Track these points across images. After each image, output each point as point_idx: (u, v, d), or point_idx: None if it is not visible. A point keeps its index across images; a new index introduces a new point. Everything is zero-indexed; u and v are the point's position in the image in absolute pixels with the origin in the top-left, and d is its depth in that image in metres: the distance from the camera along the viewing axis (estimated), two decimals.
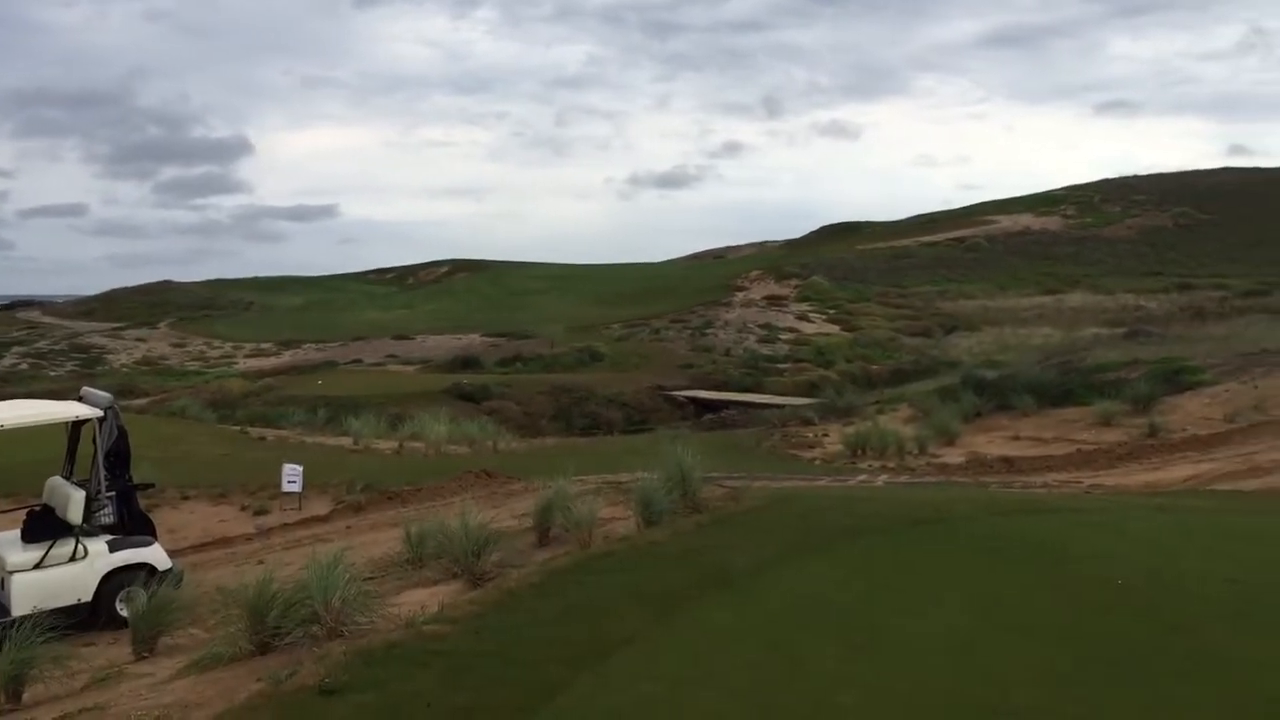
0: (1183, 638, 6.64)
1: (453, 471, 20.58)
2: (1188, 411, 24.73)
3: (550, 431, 41.59)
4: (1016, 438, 25.25)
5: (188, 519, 18.26)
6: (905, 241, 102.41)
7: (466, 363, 60.09)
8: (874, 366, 57.11)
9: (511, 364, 59.99)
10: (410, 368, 61.42)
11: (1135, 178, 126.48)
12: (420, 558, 10.75)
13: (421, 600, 8.50)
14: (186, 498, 19.18)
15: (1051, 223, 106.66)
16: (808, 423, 30.79)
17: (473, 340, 70.34)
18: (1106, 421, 24.75)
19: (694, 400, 51.20)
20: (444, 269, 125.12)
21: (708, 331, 70.16)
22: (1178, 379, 27.06)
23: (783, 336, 67.69)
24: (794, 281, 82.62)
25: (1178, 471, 18.47)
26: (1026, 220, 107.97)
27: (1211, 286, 74.02)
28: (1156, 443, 22.12)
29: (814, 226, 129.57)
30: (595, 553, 9.18)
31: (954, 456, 23.25)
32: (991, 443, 24.84)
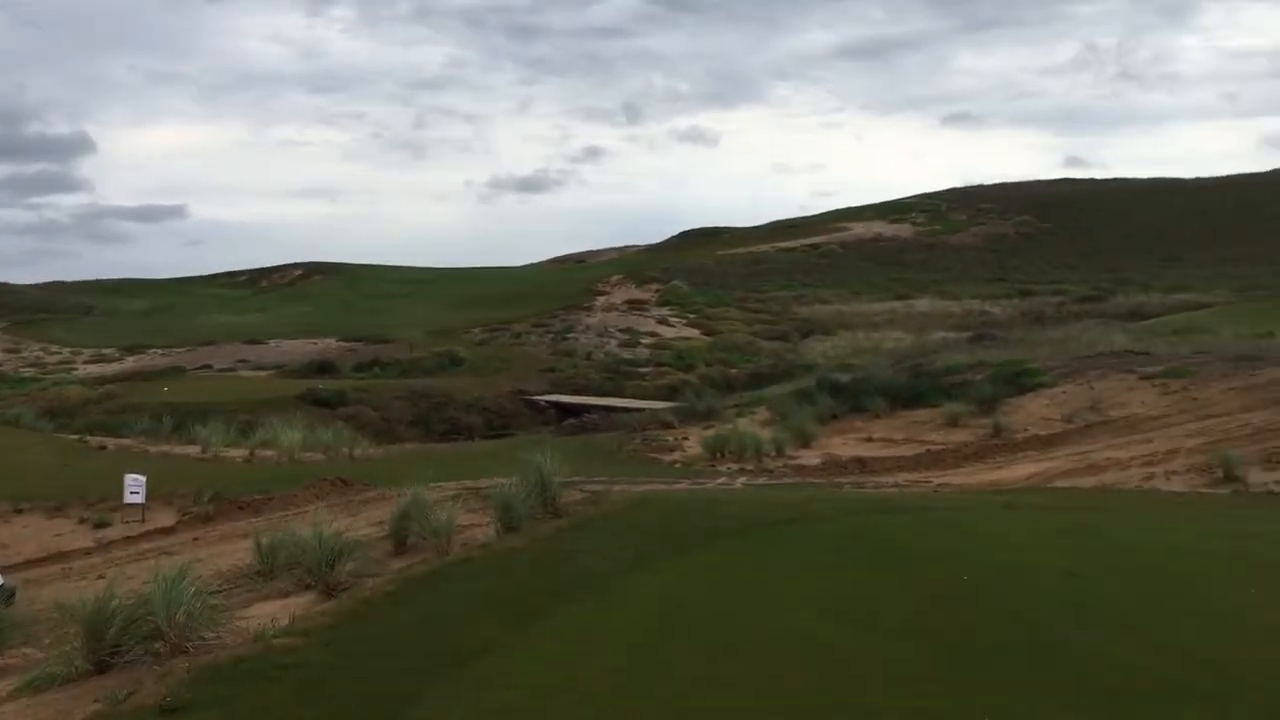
0: (1026, 630, 6.88)
1: (306, 480, 20.13)
2: (1029, 412, 25.79)
3: (409, 438, 41.02)
4: (869, 439, 25.98)
5: (21, 533, 17.48)
6: (763, 247, 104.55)
7: (322, 368, 58.72)
8: (733, 370, 57.94)
9: (369, 369, 58.88)
10: (263, 373, 59.72)
11: (980, 187, 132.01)
12: (271, 569, 10.44)
13: (272, 613, 8.25)
14: (20, 511, 18.34)
15: (902, 230, 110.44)
16: (668, 426, 31.02)
17: (329, 345, 68.77)
18: (954, 422, 25.66)
19: (555, 405, 51.06)
20: (298, 272, 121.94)
21: (569, 336, 70.16)
22: (1020, 381, 28.20)
23: (644, 340, 68.15)
24: (655, 286, 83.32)
25: (1020, 470, 19.25)
26: (879, 227, 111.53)
27: (1050, 292, 77.56)
28: (1000, 442, 23.07)
29: (674, 231, 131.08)
30: (453, 560, 9.07)
31: (810, 458, 23.77)
32: (846, 444, 25.48)
